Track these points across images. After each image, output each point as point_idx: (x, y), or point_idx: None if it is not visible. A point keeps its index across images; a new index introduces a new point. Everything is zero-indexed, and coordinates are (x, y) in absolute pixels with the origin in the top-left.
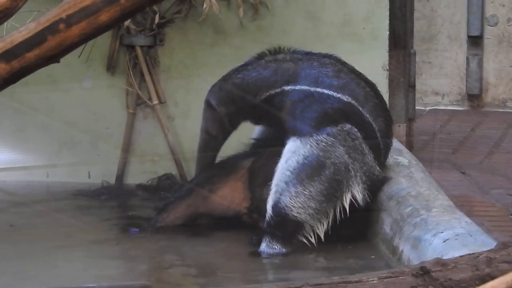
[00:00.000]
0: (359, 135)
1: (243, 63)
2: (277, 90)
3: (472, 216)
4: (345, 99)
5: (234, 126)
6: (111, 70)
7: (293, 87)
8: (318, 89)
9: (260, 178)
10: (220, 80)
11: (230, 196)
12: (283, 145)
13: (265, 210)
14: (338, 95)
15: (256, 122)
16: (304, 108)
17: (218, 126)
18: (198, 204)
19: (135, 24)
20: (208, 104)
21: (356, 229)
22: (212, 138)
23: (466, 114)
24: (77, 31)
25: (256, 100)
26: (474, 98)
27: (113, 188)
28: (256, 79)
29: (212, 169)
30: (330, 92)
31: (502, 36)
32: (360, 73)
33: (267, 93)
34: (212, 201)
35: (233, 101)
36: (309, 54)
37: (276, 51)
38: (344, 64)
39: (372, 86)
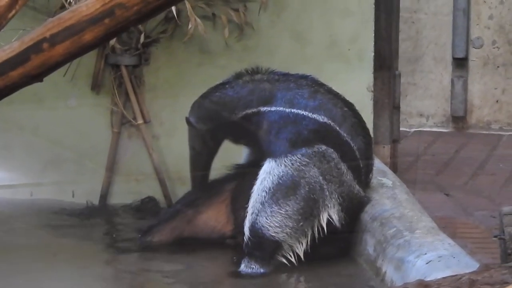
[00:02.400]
0: (335, 156)
1: (221, 81)
2: (253, 110)
3: (456, 237)
4: (321, 120)
5: (216, 142)
6: (96, 89)
7: (269, 108)
8: (294, 110)
9: (242, 200)
10: (199, 98)
11: (214, 219)
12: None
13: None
14: (314, 116)
15: (235, 140)
16: (280, 129)
17: (201, 143)
18: (182, 227)
19: (120, 44)
20: (187, 121)
21: (338, 248)
22: (198, 154)
23: (451, 135)
24: (61, 50)
25: (232, 119)
26: (458, 120)
27: (96, 208)
28: (232, 97)
29: (197, 192)
30: (306, 113)
31: (487, 58)
32: (338, 93)
33: (244, 112)
34: (196, 224)
35: (210, 118)
36: (286, 75)
37: (254, 71)
38: (321, 85)
39: (350, 106)
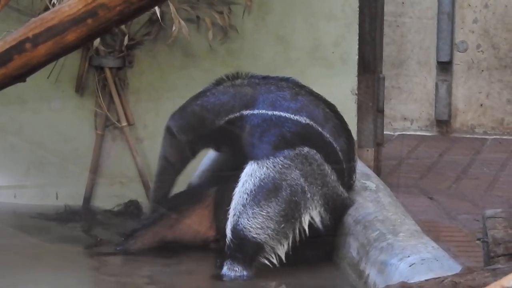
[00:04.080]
0: (318, 158)
1: (202, 89)
2: (236, 115)
3: (439, 241)
4: (303, 121)
5: (194, 153)
6: (80, 92)
7: (251, 112)
8: (276, 113)
9: (224, 205)
10: (180, 108)
11: (197, 223)
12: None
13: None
14: (296, 117)
15: (217, 148)
16: (262, 132)
17: (177, 154)
18: (165, 231)
19: (104, 46)
20: (169, 131)
21: (320, 251)
22: (170, 165)
23: (435, 139)
24: (43, 50)
25: (215, 126)
26: (442, 124)
27: (76, 211)
28: (214, 104)
29: (179, 197)
30: (288, 115)
31: (471, 62)
32: (319, 95)
33: (226, 118)
34: (179, 229)
35: (193, 128)
36: (266, 78)
37: (234, 76)
38: (302, 87)
39: (331, 107)
